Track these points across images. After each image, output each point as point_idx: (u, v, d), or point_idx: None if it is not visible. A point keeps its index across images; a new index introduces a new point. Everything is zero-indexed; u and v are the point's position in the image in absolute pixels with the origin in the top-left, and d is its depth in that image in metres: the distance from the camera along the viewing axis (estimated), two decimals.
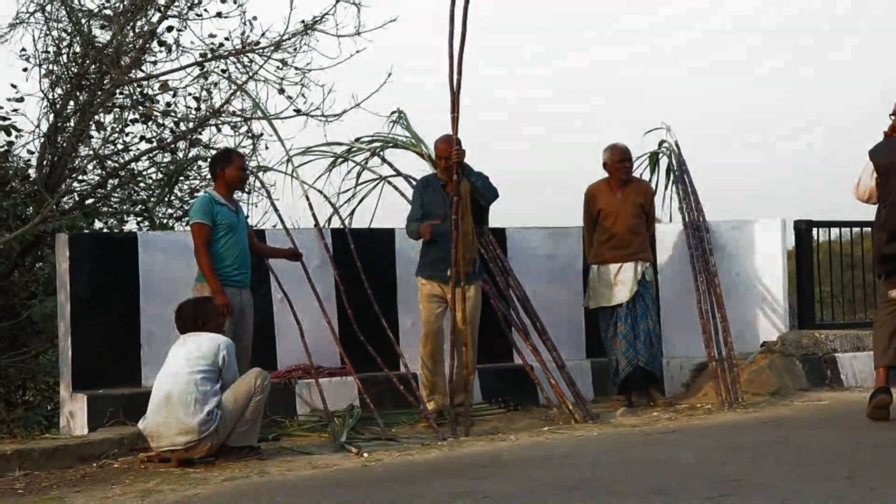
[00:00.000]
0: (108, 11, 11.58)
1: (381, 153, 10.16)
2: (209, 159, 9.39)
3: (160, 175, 11.94)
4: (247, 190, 10.85)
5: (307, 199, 9.42)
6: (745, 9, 36.06)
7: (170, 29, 11.68)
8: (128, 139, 11.89)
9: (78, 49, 11.49)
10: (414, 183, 9.74)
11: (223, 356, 7.26)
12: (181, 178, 11.80)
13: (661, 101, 30.60)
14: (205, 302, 7.57)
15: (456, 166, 8.40)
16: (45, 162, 11.22)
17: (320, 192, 9.76)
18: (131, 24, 11.61)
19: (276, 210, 9.40)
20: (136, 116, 11.75)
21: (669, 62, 35.75)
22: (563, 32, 36.17)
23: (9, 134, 11.18)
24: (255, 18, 11.60)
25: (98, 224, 11.74)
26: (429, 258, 8.62)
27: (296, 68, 11.57)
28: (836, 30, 36.15)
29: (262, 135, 11.75)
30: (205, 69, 11.75)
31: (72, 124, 11.42)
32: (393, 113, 10.28)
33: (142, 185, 11.99)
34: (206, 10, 11.72)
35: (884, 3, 34.04)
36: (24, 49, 11.35)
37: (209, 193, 8.00)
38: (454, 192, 8.37)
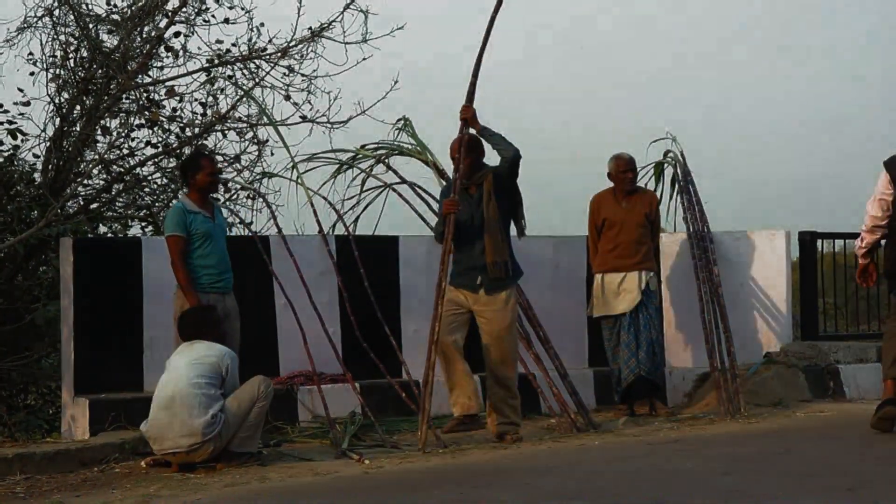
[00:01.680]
0: (115, 16, 11.61)
1: (387, 160, 10.16)
2: (180, 164, 9.35)
3: (165, 180, 11.96)
4: (250, 196, 10.87)
5: (312, 205, 9.45)
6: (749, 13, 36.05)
7: (177, 34, 11.72)
8: (133, 144, 11.92)
9: (85, 54, 11.53)
10: (418, 190, 9.78)
11: (227, 366, 7.28)
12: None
13: (667, 109, 30.59)
14: (208, 310, 7.59)
15: (462, 125, 8.00)
16: (50, 166, 11.24)
17: (325, 198, 9.76)
18: (138, 29, 11.65)
19: (274, 219, 9.42)
20: (142, 121, 11.78)
21: (675, 69, 35.74)
22: (566, 35, 36.17)
23: (15, 138, 11.22)
24: (262, 25, 11.66)
25: (102, 228, 11.77)
26: (459, 266, 8.09)
27: (302, 75, 11.62)
28: (842, 36, 36.11)
29: (267, 141, 11.78)
30: (211, 75, 11.78)
31: (78, 129, 11.44)
32: (399, 120, 10.29)
33: (147, 189, 12.01)
34: (213, 16, 11.77)
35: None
36: (31, 53, 11.40)
37: (181, 203, 7.93)
38: (455, 168, 8.04)
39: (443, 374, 8.03)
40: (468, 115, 8.00)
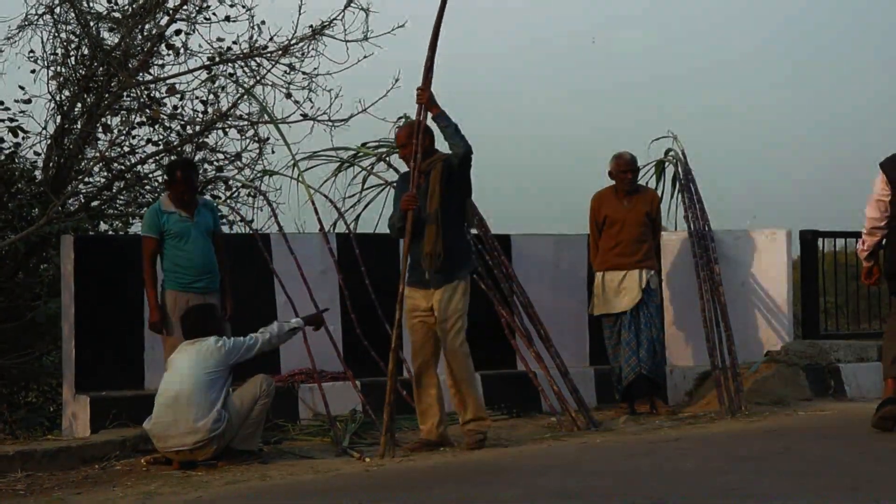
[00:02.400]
0: (116, 14, 11.62)
1: (388, 158, 10.16)
2: (166, 166, 9.34)
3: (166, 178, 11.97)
4: (251, 194, 10.87)
5: (312, 203, 9.43)
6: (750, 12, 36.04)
7: (178, 32, 11.72)
8: (134, 142, 11.92)
9: (86, 51, 11.54)
10: None
11: (223, 347, 7.26)
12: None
13: (669, 108, 30.60)
14: (210, 308, 7.61)
15: (419, 109, 7.65)
16: (51, 164, 11.24)
17: (326, 196, 9.76)
18: (139, 27, 11.65)
19: (275, 217, 9.42)
20: (143, 119, 11.77)
21: (677, 68, 35.76)
22: (567, 34, 36.16)
23: (16, 135, 11.22)
24: (263, 23, 11.66)
25: (103, 226, 11.77)
26: (410, 262, 7.66)
27: (303, 73, 11.62)
28: (843, 35, 36.12)
29: (268, 139, 11.79)
30: (212, 73, 11.78)
31: (78, 126, 11.45)
32: (399, 118, 10.28)
33: (147, 187, 12.02)
34: (214, 14, 11.77)
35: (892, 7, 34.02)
36: (32, 51, 11.41)
37: (158, 203, 7.98)
38: (413, 154, 7.61)
39: (414, 386, 7.85)
40: (424, 99, 7.62)
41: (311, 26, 11.54)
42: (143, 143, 11.90)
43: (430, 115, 7.68)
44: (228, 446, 7.24)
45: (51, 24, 11.39)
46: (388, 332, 9.00)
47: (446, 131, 7.59)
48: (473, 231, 9.37)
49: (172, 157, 11.86)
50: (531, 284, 9.54)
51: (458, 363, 7.66)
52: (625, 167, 9.44)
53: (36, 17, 11.31)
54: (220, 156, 11.82)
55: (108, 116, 11.65)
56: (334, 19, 11.47)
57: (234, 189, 11.67)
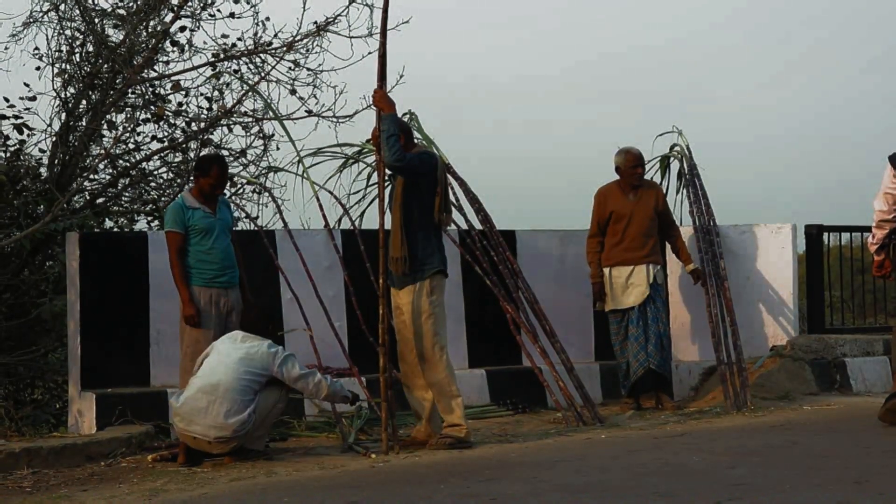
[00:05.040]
0: (121, 11, 11.61)
1: None
2: (196, 159, 9.33)
3: (171, 175, 11.98)
4: (256, 191, 10.87)
5: (318, 199, 9.44)
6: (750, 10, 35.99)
7: (182, 29, 11.71)
8: (139, 139, 11.90)
9: (91, 48, 11.52)
10: None
11: (275, 354, 7.25)
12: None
13: (671, 105, 30.56)
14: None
15: (377, 114, 7.51)
16: (56, 161, 11.24)
17: (331, 192, 9.76)
18: (144, 23, 11.64)
19: (280, 214, 9.41)
20: (148, 116, 11.77)
21: (681, 63, 35.69)
22: (569, 33, 36.11)
23: (21, 132, 11.21)
24: (267, 19, 11.63)
25: (108, 223, 11.77)
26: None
27: (308, 69, 11.59)
28: (845, 32, 36.06)
29: (273, 135, 11.76)
30: (217, 69, 11.77)
31: (84, 123, 11.44)
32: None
33: (153, 184, 12.02)
34: (218, 10, 11.74)
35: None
36: (37, 48, 11.39)
37: (181, 198, 7.94)
38: (377, 160, 7.61)
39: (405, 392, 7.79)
40: (377, 98, 7.49)
41: (315, 22, 11.53)
42: (148, 139, 11.90)
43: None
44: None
45: (55, 22, 11.38)
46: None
47: (382, 137, 7.42)
48: (478, 227, 9.41)
49: (177, 154, 11.88)
50: (536, 280, 9.54)
51: (430, 366, 7.53)
52: (634, 162, 9.42)
53: (41, 14, 11.31)
54: (225, 152, 11.81)
55: (113, 113, 11.65)
56: (339, 15, 11.45)
57: (239, 186, 11.67)
